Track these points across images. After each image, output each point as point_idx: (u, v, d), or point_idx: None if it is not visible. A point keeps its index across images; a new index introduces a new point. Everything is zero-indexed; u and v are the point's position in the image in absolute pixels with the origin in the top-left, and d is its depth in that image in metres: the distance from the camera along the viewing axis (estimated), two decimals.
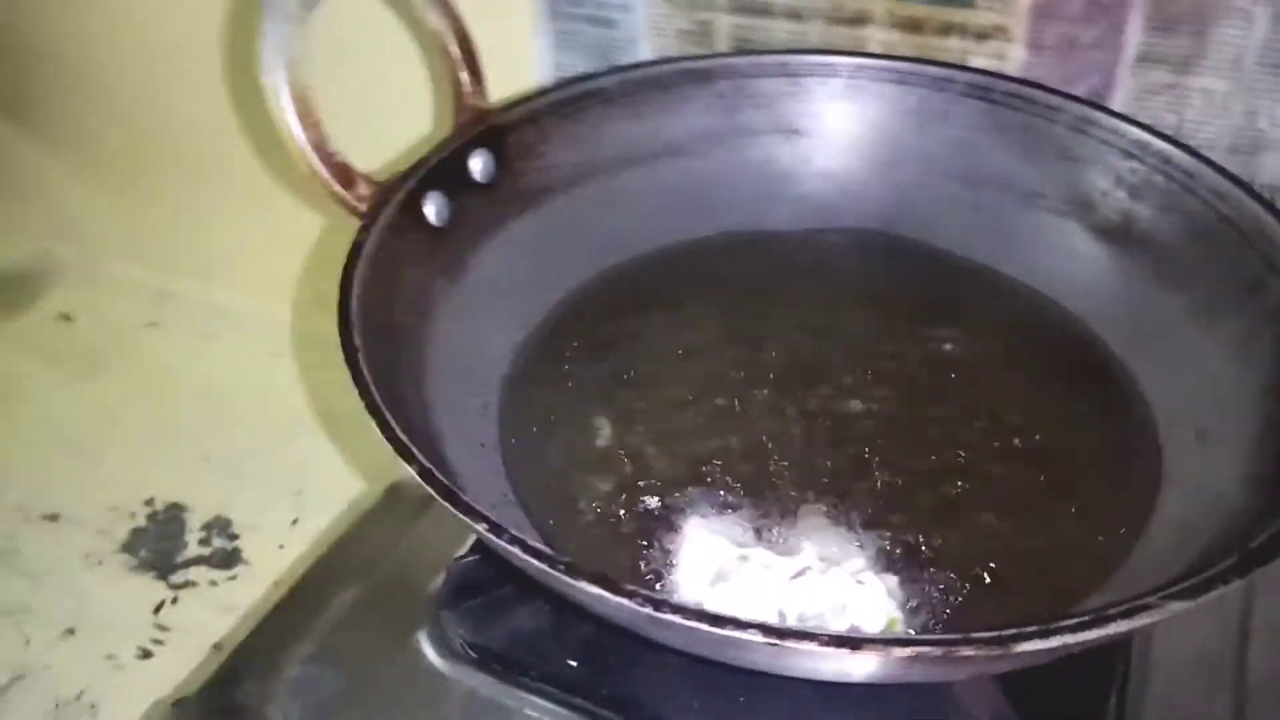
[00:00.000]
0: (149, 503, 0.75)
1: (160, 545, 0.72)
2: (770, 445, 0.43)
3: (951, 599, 0.37)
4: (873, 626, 0.35)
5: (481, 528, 0.30)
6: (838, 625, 0.35)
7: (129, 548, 0.72)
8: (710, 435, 0.44)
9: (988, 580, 0.38)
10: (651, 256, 0.53)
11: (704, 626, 0.27)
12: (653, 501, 0.41)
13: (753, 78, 0.54)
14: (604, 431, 0.44)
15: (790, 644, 0.27)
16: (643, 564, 0.38)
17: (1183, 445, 0.41)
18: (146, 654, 0.66)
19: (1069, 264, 0.49)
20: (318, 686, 0.44)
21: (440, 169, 0.46)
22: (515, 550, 0.29)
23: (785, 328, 0.50)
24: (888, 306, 0.51)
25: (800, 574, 0.37)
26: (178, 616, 0.69)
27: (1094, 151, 0.49)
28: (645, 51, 0.65)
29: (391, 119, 0.65)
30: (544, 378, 0.46)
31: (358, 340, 0.37)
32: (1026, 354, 0.48)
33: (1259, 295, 0.41)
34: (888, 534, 0.39)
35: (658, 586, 0.37)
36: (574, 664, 0.42)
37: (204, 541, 0.73)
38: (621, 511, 0.40)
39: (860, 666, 0.28)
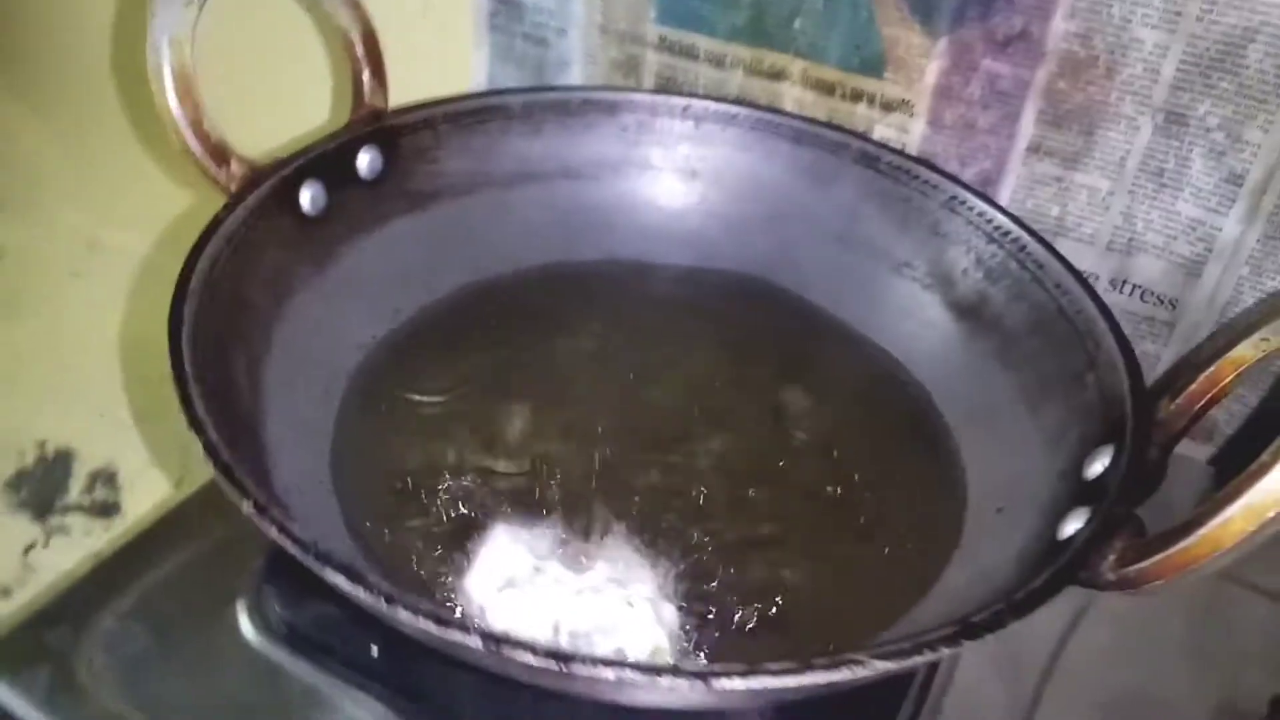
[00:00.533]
0: (41, 445, 0.76)
1: (43, 487, 0.73)
2: (598, 467, 0.44)
3: (727, 634, 0.38)
4: (639, 650, 0.37)
5: (246, 505, 0.31)
6: (605, 645, 0.36)
7: (12, 485, 0.72)
8: (542, 450, 0.45)
9: (768, 620, 0.39)
10: (532, 272, 0.54)
11: (431, 626, 0.28)
12: (469, 505, 0.42)
13: (657, 115, 0.56)
14: (439, 432, 0.45)
15: (506, 651, 0.28)
16: (440, 564, 0.39)
17: (983, 517, 0.43)
18: (7, 592, 0.66)
19: (924, 333, 0.51)
20: (128, 642, 0.44)
21: (323, 160, 0.47)
22: (271, 529, 0.30)
23: (646, 357, 0.51)
24: (750, 349, 0.52)
25: (586, 591, 0.38)
26: (46, 559, 0.69)
27: (961, 231, 0.50)
28: (576, 74, 0.67)
29: (297, 109, 0.66)
30: (395, 375, 0.47)
31: (187, 311, 0.38)
32: (867, 412, 0.49)
33: (1078, 388, 0.43)
34: (685, 565, 0.40)
35: (447, 587, 0.39)
36: (375, 651, 0.43)
37: (87, 490, 0.73)
38: (434, 510, 0.42)
39: (574, 684, 0.29)
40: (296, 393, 0.43)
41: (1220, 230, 0.53)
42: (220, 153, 0.43)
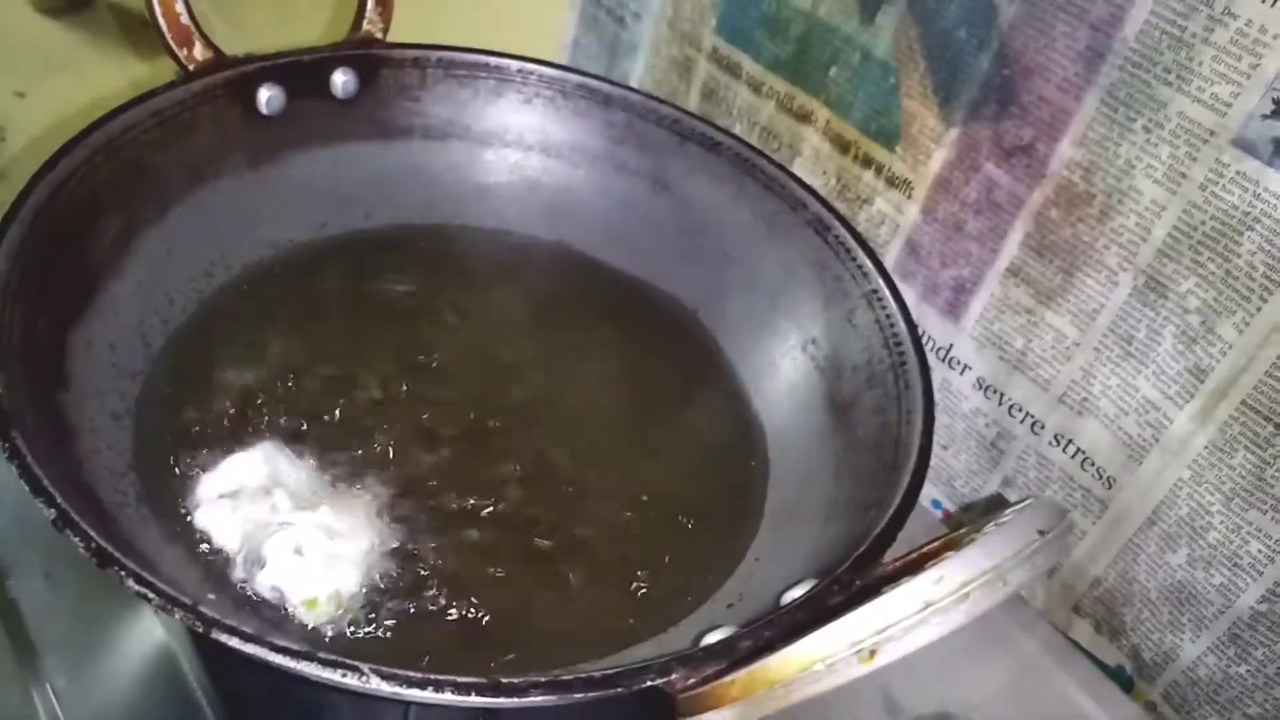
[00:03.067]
0: None
1: None
2: (399, 430, 0.46)
3: (389, 618, 0.39)
4: (295, 595, 0.38)
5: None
6: (264, 579, 0.38)
7: None
8: (359, 396, 0.47)
9: (448, 624, 0.39)
10: (478, 233, 0.56)
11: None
12: (244, 414, 0.44)
13: (645, 120, 0.55)
14: (293, 342, 0.48)
15: (130, 584, 0.30)
16: (194, 454, 0.42)
17: (715, 607, 0.41)
18: None
19: (797, 415, 0.49)
20: None
21: (291, 68, 0.51)
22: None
23: (534, 347, 0.52)
24: (640, 374, 0.52)
25: (285, 526, 0.40)
26: None
27: (869, 328, 0.48)
28: (641, 62, 0.68)
29: (303, 24, 0.68)
30: (290, 279, 0.51)
31: (67, 161, 0.42)
32: (703, 472, 0.48)
33: (861, 518, 0.40)
34: (402, 552, 0.41)
35: (186, 475, 0.41)
36: None
37: None
38: (226, 405, 0.44)
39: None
40: (174, 262, 0.47)
41: (1171, 422, 0.48)
42: (183, 34, 0.47)
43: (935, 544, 0.32)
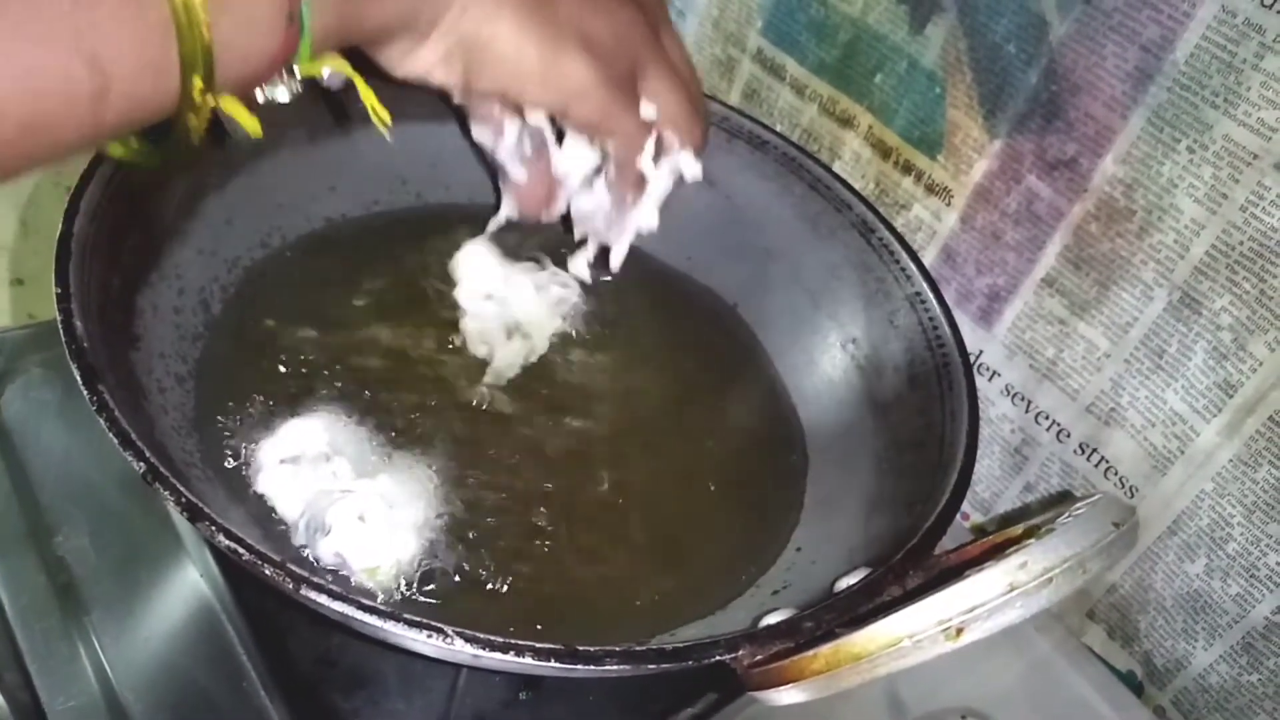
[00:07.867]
0: None
1: None
2: (456, 404, 0.47)
3: (450, 586, 0.40)
4: (357, 562, 0.39)
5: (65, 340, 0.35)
6: (327, 545, 0.39)
7: None
8: (396, 365, 0.47)
9: (493, 591, 0.40)
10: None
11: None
12: (301, 381, 0.45)
13: None
14: (343, 314, 0.48)
15: (220, 539, 0.31)
16: (244, 428, 0.43)
17: (758, 595, 0.42)
18: None
19: (836, 411, 0.50)
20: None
21: None
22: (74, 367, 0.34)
23: (577, 333, 0.52)
24: (677, 363, 0.53)
25: (348, 494, 0.40)
26: None
27: (912, 330, 0.49)
28: None
29: None
30: (338, 253, 0.51)
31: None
32: (741, 464, 0.49)
33: (906, 513, 0.42)
34: (457, 518, 0.42)
35: (247, 440, 0.42)
36: None
37: None
38: (287, 373, 0.45)
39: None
40: (233, 230, 0.48)
41: (1198, 435, 0.49)
42: None
43: (1014, 532, 0.33)
